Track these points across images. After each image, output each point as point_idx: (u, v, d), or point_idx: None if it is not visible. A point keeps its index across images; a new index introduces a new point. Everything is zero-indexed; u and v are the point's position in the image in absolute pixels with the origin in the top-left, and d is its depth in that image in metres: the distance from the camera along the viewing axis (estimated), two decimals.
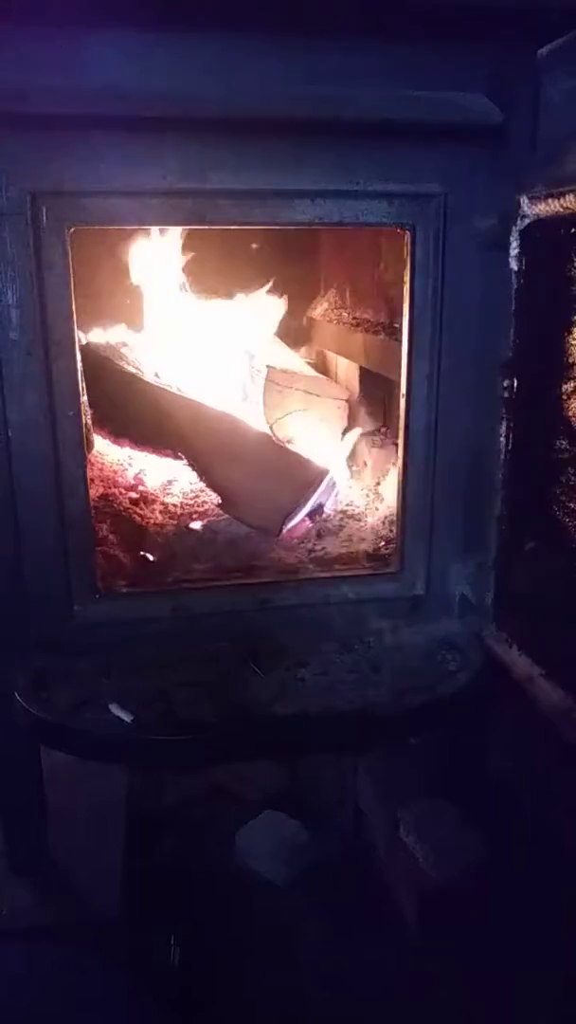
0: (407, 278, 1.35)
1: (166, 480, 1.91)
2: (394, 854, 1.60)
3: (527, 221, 1.19)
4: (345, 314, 2.19)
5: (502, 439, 1.31)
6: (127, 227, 1.31)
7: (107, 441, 1.89)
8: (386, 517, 1.78)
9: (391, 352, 1.60)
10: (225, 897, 1.63)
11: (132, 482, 1.88)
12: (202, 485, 1.82)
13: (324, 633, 1.48)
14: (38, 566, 1.36)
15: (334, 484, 1.84)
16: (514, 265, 1.23)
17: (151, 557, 1.62)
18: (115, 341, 2.05)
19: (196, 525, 1.74)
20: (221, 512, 1.74)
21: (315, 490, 1.75)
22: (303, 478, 1.75)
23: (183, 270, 2.02)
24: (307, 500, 1.73)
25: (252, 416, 1.97)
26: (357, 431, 2.02)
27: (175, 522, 1.76)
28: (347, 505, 1.89)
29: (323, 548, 1.70)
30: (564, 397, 1.29)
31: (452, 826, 1.58)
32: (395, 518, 1.58)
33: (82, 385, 1.36)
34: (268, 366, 2.01)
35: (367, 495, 1.94)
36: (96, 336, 2.09)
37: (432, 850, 1.53)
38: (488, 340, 1.31)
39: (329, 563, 1.64)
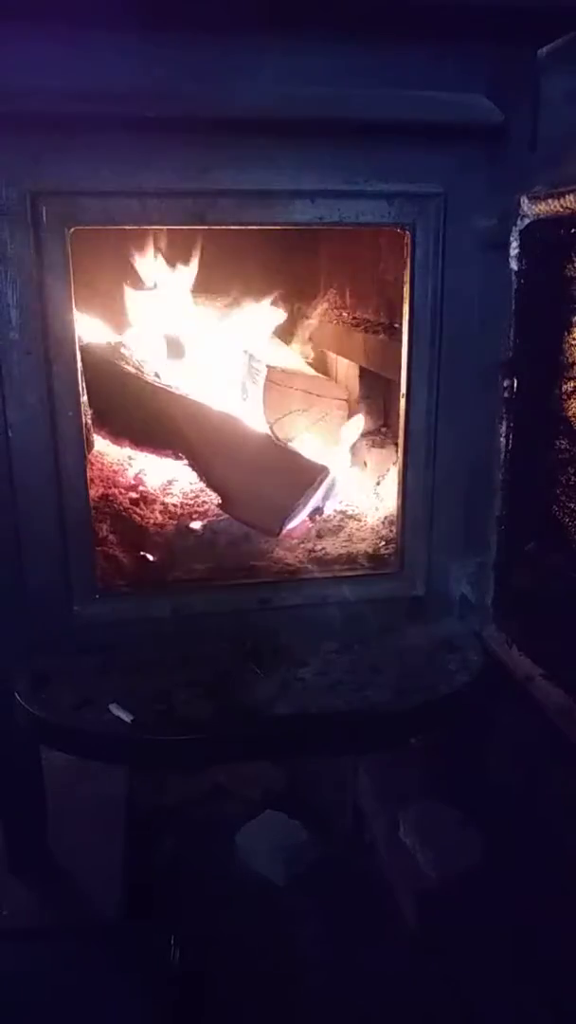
0: (407, 278, 1.35)
1: (166, 480, 1.91)
2: (394, 854, 1.60)
3: (527, 221, 1.19)
4: (345, 314, 2.19)
5: (502, 439, 1.32)
6: (127, 227, 1.31)
7: (107, 441, 1.89)
8: (386, 517, 1.77)
9: (391, 352, 1.60)
10: (225, 897, 1.63)
11: (132, 482, 1.88)
12: (202, 485, 1.82)
13: (324, 633, 1.48)
14: (38, 566, 1.36)
15: (334, 484, 1.83)
16: (514, 265, 1.23)
17: (151, 557, 1.62)
18: (115, 341, 2.04)
19: (196, 525, 1.74)
20: (221, 512, 1.74)
21: (315, 490, 1.75)
22: (303, 478, 1.75)
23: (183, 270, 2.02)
24: (307, 500, 1.73)
25: (252, 416, 1.96)
26: (357, 420, 1.98)
27: (175, 522, 1.76)
28: (347, 505, 1.89)
29: (323, 548, 1.70)
30: (564, 397, 1.29)
31: (452, 827, 1.58)
32: (395, 518, 1.58)
33: (82, 385, 1.36)
34: (268, 366, 2.01)
35: (367, 495, 1.94)
36: (96, 336, 2.08)
37: (432, 851, 1.53)
38: (488, 340, 1.31)
39: (329, 563, 1.63)
